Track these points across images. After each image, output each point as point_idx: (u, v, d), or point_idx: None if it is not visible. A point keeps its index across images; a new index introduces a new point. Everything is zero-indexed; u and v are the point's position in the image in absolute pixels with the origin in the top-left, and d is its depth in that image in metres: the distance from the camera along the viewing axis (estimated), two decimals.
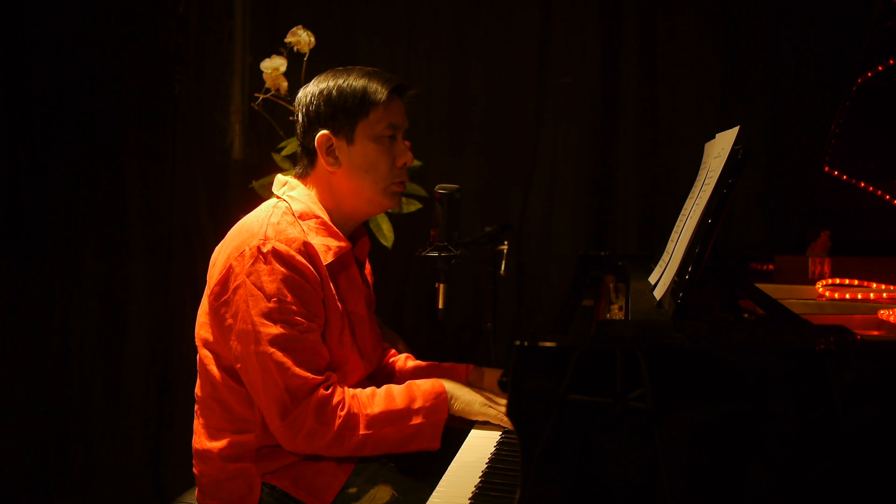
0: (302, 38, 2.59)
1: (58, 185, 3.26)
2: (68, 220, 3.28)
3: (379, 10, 3.24)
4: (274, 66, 2.60)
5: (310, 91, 1.85)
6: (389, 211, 2.72)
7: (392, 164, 1.85)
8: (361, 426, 1.72)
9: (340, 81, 1.82)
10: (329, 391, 1.71)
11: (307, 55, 2.59)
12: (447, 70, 3.21)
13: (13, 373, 3.25)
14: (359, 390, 1.78)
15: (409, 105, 1.91)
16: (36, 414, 3.25)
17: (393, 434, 1.74)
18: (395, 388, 1.80)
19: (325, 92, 1.82)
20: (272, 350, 1.66)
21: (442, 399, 1.79)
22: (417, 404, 1.77)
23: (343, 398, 1.72)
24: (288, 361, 1.67)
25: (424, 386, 1.81)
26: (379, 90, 1.81)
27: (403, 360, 2.14)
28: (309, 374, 1.68)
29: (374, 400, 1.76)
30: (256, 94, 2.67)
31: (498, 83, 3.20)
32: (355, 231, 1.94)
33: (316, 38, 2.62)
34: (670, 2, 3.07)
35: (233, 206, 3.12)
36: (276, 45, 2.64)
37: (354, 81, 1.82)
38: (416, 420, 1.76)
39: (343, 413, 1.70)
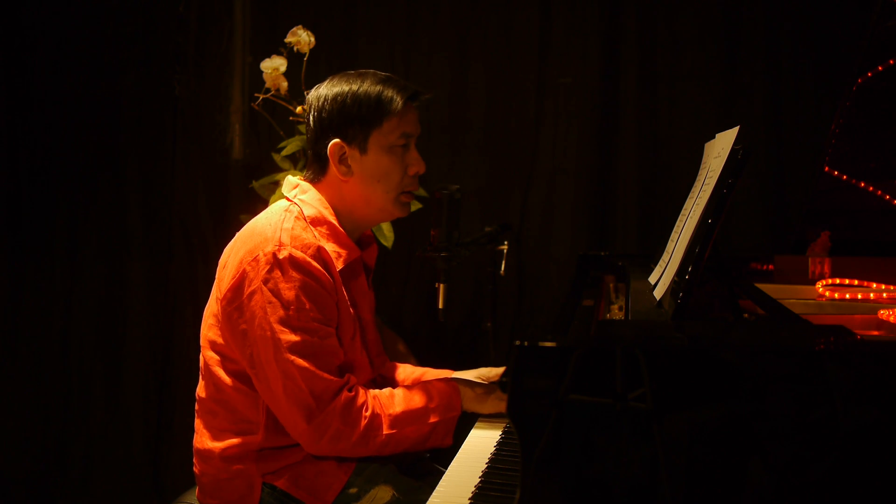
0: (302, 38, 2.59)
1: (58, 184, 3.27)
2: (68, 220, 3.28)
3: (379, 10, 3.23)
4: (274, 66, 2.60)
5: (322, 95, 1.81)
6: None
7: (404, 173, 1.84)
8: (385, 426, 1.73)
9: (355, 87, 1.78)
10: (353, 393, 1.71)
11: (307, 55, 2.59)
12: (447, 70, 3.21)
13: (13, 373, 3.25)
14: (377, 391, 1.79)
15: (421, 110, 1.89)
16: (36, 414, 3.25)
17: (413, 433, 1.75)
18: (412, 388, 1.82)
19: (339, 98, 1.78)
20: (293, 357, 1.66)
21: (454, 397, 1.81)
22: (434, 403, 1.78)
23: (366, 399, 1.73)
24: (311, 366, 1.67)
25: (439, 385, 1.83)
26: (395, 99, 1.78)
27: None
28: (332, 377, 1.69)
29: (394, 400, 1.77)
30: (256, 94, 2.67)
31: (498, 83, 3.20)
32: (364, 237, 1.94)
33: (316, 39, 2.62)
34: (670, 2, 3.07)
35: (233, 206, 3.14)
36: (276, 45, 2.64)
37: (369, 88, 1.78)
38: (434, 418, 1.77)
39: (368, 414, 1.71)
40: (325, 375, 1.68)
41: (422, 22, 3.22)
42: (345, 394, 1.69)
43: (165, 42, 3.25)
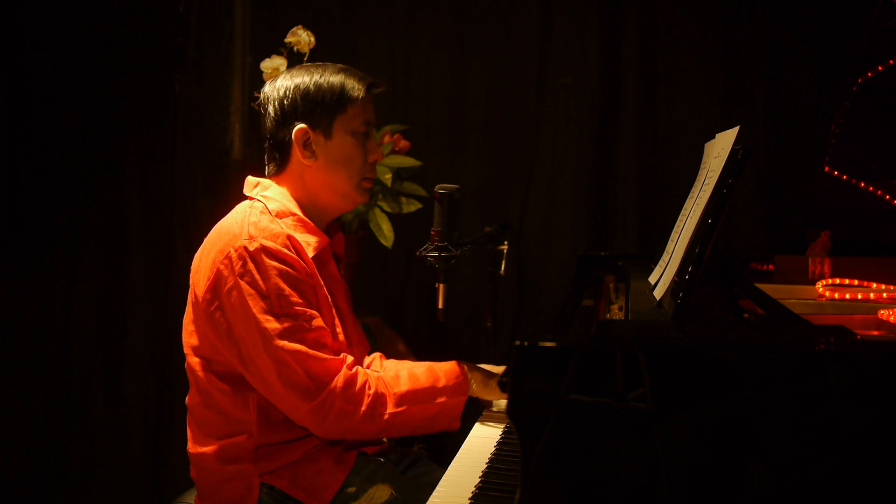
0: (302, 38, 2.59)
1: (58, 185, 3.26)
2: (68, 220, 3.28)
3: (379, 10, 3.23)
4: (274, 66, 2.60)
5: (282, 85, 1.84)
6: (388, 211, 2.74)
7: (365, 159, 1.87)
8: (390, 404, 1.73)
9: (317, 77, 1.82)
10: (353, 371, 1.72)
11: (307, 55, 2.59)
12: (447, 70, 3.21)
13: (13, 373, 3.25)
14: (381, 373, 1.79)
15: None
16: (36, 414, 3.25)
17: (419, 413, 1.75)
18: (418, 369, 1.82)
19: (301, 87, 1.82)
20: (282, 343, 1.66)
21: (463, 380, 1.81)
22: (441, 383, 1.79)
23: (367, 378, 1.73)
24: (302, 348, 1.67)
25: (446, 366, 1.83)
26: (356, 87, 1.83)
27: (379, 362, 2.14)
28: (326, 356, 1.69)
29: (399, 380, 1.77)
30: (256, 94, 2.66)
31: (498, 83, 3.20)
32: (329, 227, 1.95)
33: (316, 38, 2.62)
34: (670, 2, 3.07)
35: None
36: (276, 45, 2.64)
37: (331, 77, 1.82)
38: (441, 399, 1.77)
39: (371, 392, 1.71)
40: (319, 355, 1.68)
41: (422, 22, 3.22)
42: (344, 373, 1.69)
43: (165, 42, 3.25)
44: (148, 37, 3.25)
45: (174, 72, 3.24)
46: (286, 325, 1.67)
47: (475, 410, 1.96)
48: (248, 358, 1.70)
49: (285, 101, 1.82)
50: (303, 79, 1.83)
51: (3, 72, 3.21)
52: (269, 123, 1.86)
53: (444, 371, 1.81)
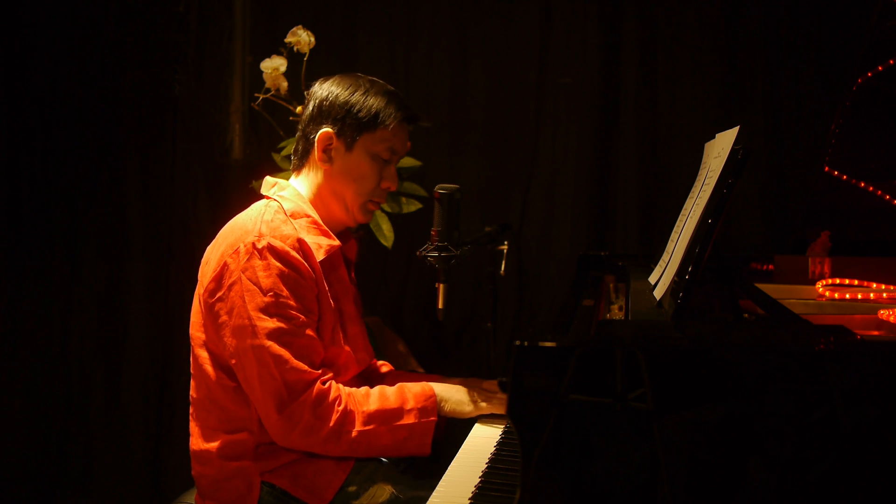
0: (302, 38, 2.59)
1: (58, 185, 3.26)
2: (68, 220, 3.28)
3: (379, 9, 3.23)
4: (274, 66, 2.60)
5: (330, 88, 1.89)
6: (388, 211, 2.74)
7: (377, 184, 1.91)
8: (358, 423, 1.73)
9: (361, 91, 1.87)
10: (326, 386, 1.72)
11: (307, 55, 2.59)
12: (447, 70, 3.21)
13: (13, 373, 3.25)
14: (354, 389, 1.80)
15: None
16: (36, 414, 3.25)
17: (386, 433, 1.75)
18: (388, 389, 1.82)
19: (343, 94, 1.87)
20: (269, 343, 1.68)
21: (432, 402, 1.81)
22: (409, 405, 1.79)
23: (339, 394, 1.74)
24: (286, 354, 1.68)
25: (415, 388, 1.83)
26: (393, 115, 1.87)
27: (379, 367, 2.15)
28: (306, 368, 1.70)
29: (368, 399, 1.78)
30: (256, 94, 2.67)
31: (498, 83, 3.20)
32: (341, 233, 1.96)
33: (316, 38, 2.62)
34: (670, 2, 3.07)
35: (233, 206, 3.11)
36: (276, 45, 2.64)
37: (374, 96, 1.87)
38: (409, 420, 1.77)
39: (340, 409, 1.72)
40: (300, 366, 1.69)
41: (422, 22, 3.22)
42: (318, 387, 1.70)
43: (165, 42, 3.25)
44: (148, 37, 3.25)
45: (174, 72, 3.24)
46: (277, 325, 1.69)
47: (471, 421, 1.94)
48: (236, 353, 1.71)
49: (325, 103, 1.88)
50: (349, 88, 1.88)
51: (3, 72, 3.21)
52: (305, 116, 1.92)
53: (413, 393, 1.81)
